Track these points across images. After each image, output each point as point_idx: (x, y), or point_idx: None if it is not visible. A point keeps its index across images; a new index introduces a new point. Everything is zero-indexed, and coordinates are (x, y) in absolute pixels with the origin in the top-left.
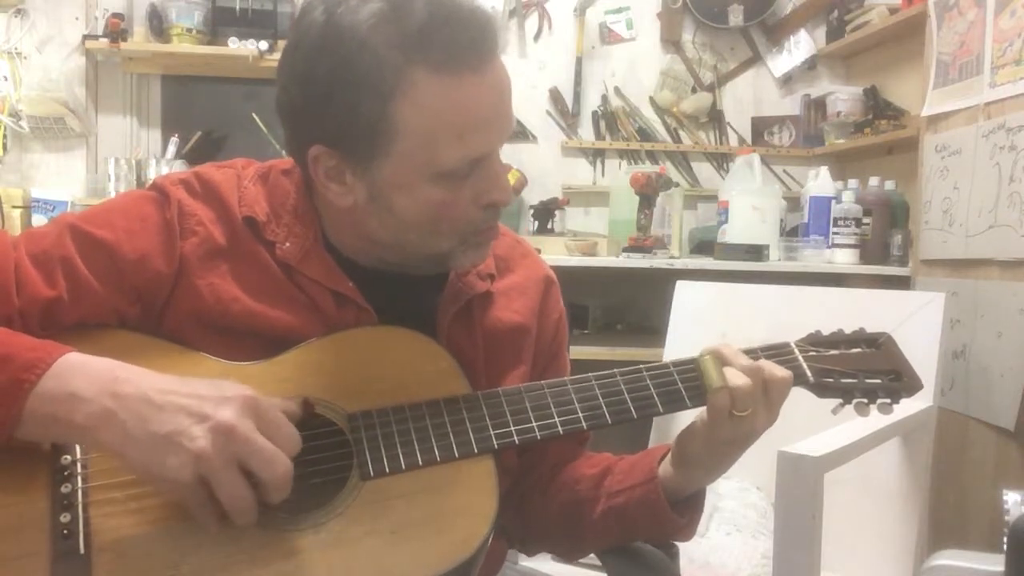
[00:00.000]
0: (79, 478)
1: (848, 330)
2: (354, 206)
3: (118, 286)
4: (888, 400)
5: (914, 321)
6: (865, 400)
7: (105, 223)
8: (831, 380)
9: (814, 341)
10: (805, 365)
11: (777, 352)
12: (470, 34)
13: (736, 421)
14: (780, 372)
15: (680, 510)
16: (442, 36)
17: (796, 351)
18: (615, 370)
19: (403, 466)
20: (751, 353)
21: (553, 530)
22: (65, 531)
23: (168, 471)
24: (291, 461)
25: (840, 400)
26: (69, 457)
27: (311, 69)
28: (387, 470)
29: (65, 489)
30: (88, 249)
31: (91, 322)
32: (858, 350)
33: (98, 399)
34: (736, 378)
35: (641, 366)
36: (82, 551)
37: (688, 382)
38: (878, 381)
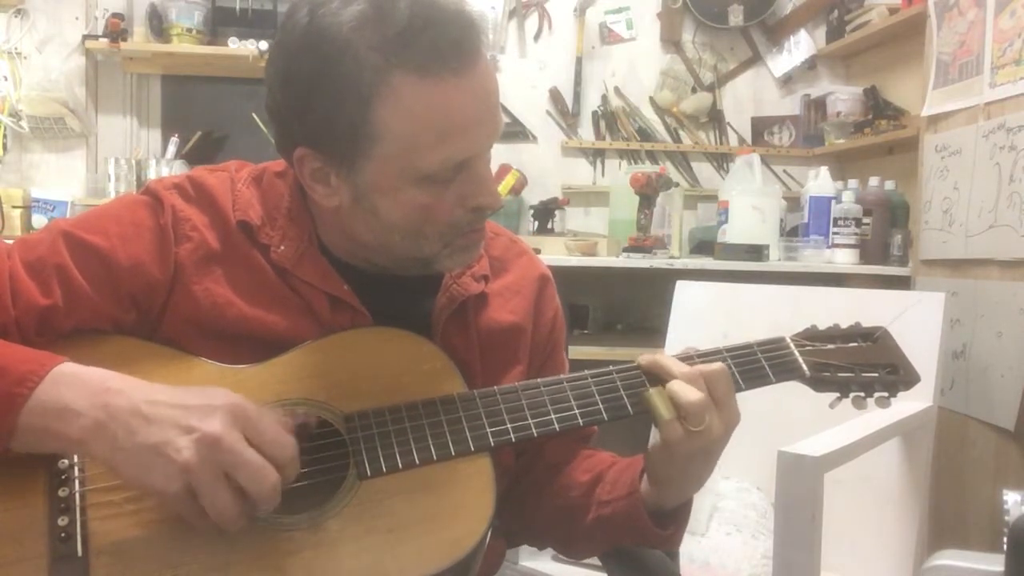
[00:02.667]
0: (76, 481)
1: (844, 325)
2: (340, 207)
3: (113, 293)
4: (885, 394)
5: (914, 321)
6: (862, 394)
7: (99, 229)
8: (828, 374)
9: (810, 336)
10: (801, 359)
11: (773, 347)
12: (453, 36)
13: (694, 436)
14: (715, 366)
15: (663, 523)
16: (423, 39)
17: (792, 346)
18: (611, 367)
19: (400, 465)
20: (713, 354)
21: (548, 532)
22: (63, 534)
23: (156, 483)
24: (296, 464)
25: (837, 394)
26: (67, 461)
27: (293, 70)
28: (384, 469)
29: (63, 492)
30: (82, 256)
31: (87, 328)
32: (854, 344)
33: (90, 412)
34: (684, 394)
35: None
36: (80, 554)
37: None
38: (875, 375)
